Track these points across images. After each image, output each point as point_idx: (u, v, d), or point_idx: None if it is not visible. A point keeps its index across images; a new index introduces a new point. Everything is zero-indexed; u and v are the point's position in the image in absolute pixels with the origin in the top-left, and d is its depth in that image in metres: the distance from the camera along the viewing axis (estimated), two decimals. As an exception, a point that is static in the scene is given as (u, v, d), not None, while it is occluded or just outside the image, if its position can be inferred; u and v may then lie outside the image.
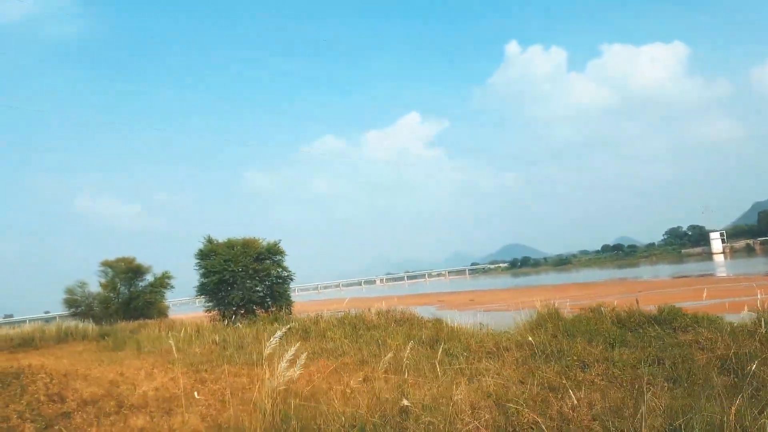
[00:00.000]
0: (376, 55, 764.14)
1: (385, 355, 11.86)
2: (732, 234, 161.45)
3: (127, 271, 35.53)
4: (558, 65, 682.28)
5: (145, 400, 8.72)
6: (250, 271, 28.79)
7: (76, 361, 16.28)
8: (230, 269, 28.37)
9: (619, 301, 15.28)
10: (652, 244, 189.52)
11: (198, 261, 29.76)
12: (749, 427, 4.60)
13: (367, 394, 6.92)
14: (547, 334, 10.21)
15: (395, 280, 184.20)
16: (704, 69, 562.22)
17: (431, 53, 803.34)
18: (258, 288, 29.68)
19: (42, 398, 9.67)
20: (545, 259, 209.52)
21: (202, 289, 29.38)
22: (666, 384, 6.39)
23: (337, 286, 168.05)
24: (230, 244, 30.01)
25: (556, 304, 13.60)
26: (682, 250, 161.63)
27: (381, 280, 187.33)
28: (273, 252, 30.49)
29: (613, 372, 7.27)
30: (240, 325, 19.33)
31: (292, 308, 29.87)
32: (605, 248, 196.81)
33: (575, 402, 5.16)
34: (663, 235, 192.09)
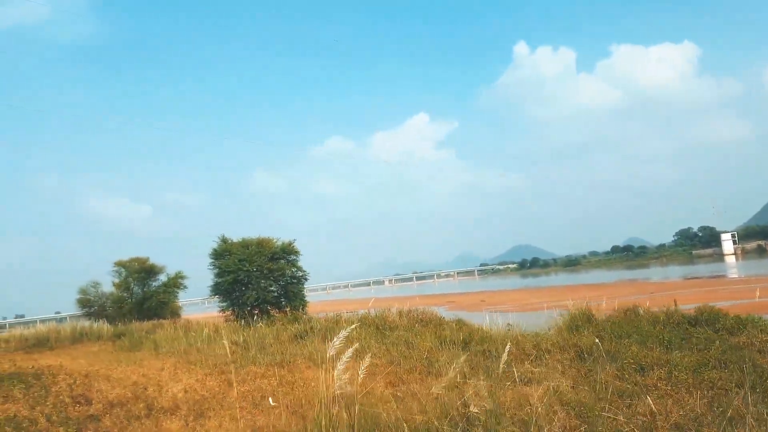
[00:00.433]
0: (385, 56, 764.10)
1: (414, 356, 11.61)
2: (744, 235, 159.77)
3: (141, 271, 35.34)
4: (567, 66, 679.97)
5: (175, 402, 8.41)
6: (265, 271, 28.50)
7: (93, 362, 16.02)
8: (245, 269, 28.10)
9: (638, 301, 14.90)
10: (662, 245, 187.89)
11: (212, 260, 29.54)
12: None
13: (423, 398, 6.55)
14: (590, 335, 9.82)
15: (404, 281, 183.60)
16: (714, 69, 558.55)
17: (440, 54, 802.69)
18: (272, 288, 29.41)
19: (67, 400, 9.38)
20: (554, 260, 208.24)
21: (217, 289, 29.11)
22: (738, 390, 6.00)
23: (346, 286, 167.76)
24: (245, 244, 29.76)
25: (587, 305, 13.19)
26: (693, 252, 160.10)
27: (390, 281, 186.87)
28: (287, 252, 30.21)
29: (677, 376, 6.86)
30: (262, 325, 19.02)
31: (307, 308, 29.58)
32: (615, 249, 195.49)
33: (653, 408, 4.79)
34: (673, 236, 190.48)
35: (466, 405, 5.47)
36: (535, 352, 9.63)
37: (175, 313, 36.70)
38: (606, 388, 5.99)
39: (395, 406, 6.30)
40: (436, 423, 5.32)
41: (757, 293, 18.89)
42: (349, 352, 5.58)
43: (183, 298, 43.95)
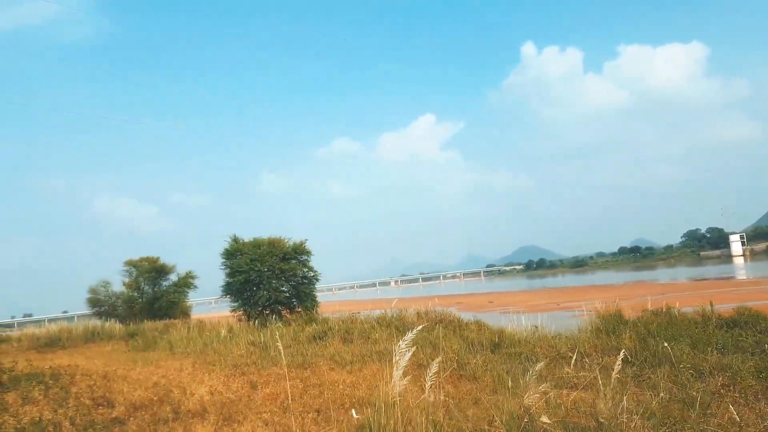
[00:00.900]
0: (391, 57, 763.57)
1: (438, 358, 11.25)
2: (752, 236, 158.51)
3: (151, 271, 35.11)
4: (574, 66, 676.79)
5: (202, 405, 8.10)
6: (276, 271, 28.21)
7: (108, 362, 15.77)
8: (256, 269, 27.81)
9: (665, 301, 14.50)
10: (669, 247, 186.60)
11: (224, 260, 29.27)
12: None
13: (488, 407, 6.18)
14: (631, 337, 9.45)
15: (410, 282, 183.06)
16: (723, 69, 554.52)
17: (447, 55, 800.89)
18: (284, 288, 29.13)
19: (87, 402, 9.10)
20: (561, 261, 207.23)
21: (228, 289, 28.84)
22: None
23: (352, 287, 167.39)
24: (256, 244, 29.48)
25: (617, 305, 12.82)
26: (701, 253, 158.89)
27: (395, 282, 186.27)
28: (299, 252, 29.91)
29: (742, 382, 6.46)
30: (281, 325, 18.73)
31: (318, 309, 29.28)
32: (622, 250, 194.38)
33: (736, 417, 4.44)
34: (681, 237, 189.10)
35: (528, 413, 5.12)
36: (572, 355, 9.29)
37: (185, 313, 36.48)
38: (671, 395, 5.62)
39: (460, 415, 5.96)
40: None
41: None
42: (409, 354, 5.15)
43: (191, 298, 43.74)
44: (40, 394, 9.50)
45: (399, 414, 5.45)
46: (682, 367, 7.16)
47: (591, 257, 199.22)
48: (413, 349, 5.73)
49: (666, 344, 7.39)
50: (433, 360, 11.00)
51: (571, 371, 7.77)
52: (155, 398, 9.02)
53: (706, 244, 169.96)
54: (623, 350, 6.24)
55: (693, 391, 5.80)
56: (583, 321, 13.48)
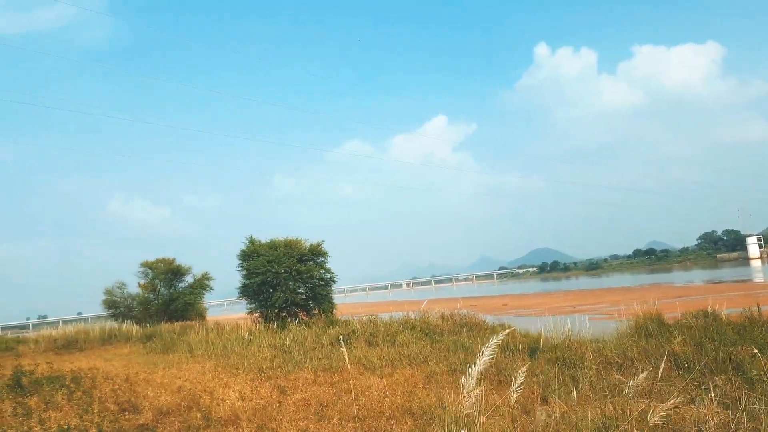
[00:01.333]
0: (404, 59, 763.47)
1: (473, 363, 10.83)
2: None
3: (167, 272, 34.89)
4: (588, 67, 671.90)
5: (233, 411, 7.72)
6: (293, 273, 27.86)
7: (128, 364, 15.50)
8: (273, 270, 27.47)
9: (691, 304, 13.97)
10: (685, 249, 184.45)
11: (240, 262, 28.98)
12: None
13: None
14: (684, 341, 8.95)
15: (422, 285, 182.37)
16: (739, 69, 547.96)
17: (459, 56, 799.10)
18: (300, 290, 28.78)
19: (112, 407, 8.78)
20: (575, 263, 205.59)
21: (245, 291, 28.52)
22: None
23: (364, 290, 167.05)
24: (273, 245, 29.14)
25: (656, 308, 12.31)
26: (717, 255, 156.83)
27: (408, 284, 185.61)
28: (316, 253, 29.53)
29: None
30: (305, 327, 18.37)
31: (335, 311, 28.88)
32: (637, 253, 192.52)
33: None
34: (697, 239, 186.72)
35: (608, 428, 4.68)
36: (619, 360, 8.83)
37: (200, 315, 36.25)
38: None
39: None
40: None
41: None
42: (481, 363, 4.69)
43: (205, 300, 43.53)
44: (63, 399, 9.20)
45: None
46: (754, 376, 6.66)
47: (605, 260, 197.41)
48: (486, 358, 5.20)
49: (730, 349, 6.91)
50: (466, 365, 10.60)
51: (620, 377, 7.31)
52: (182, 403, 8.67)
53: (722, 247, 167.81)
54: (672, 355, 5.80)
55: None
56: (618, 325, 12.97)
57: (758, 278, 62.99)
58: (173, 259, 35.56)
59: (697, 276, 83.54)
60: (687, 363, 7.90)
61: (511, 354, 10.86)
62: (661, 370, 6.41)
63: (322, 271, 29.29)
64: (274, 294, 27.52)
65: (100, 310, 39.73)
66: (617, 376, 7.64)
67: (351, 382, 10.03)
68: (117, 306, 35.30)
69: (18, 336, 30.07)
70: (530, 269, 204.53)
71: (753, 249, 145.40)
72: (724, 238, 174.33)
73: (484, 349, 4.85)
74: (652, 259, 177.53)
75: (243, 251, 29.20)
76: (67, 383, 11.04)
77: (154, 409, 8.41)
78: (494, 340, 4.45)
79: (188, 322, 29.23)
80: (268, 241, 29.78)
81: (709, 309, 11.28)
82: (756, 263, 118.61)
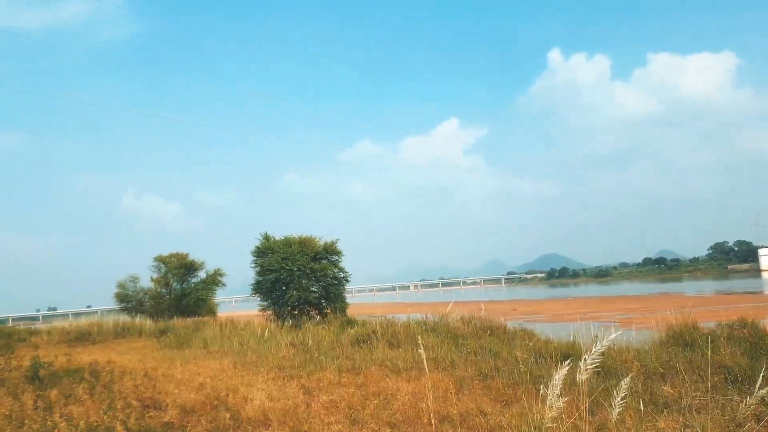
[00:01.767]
0: (416, 61, 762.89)
1: (506, 369, 10.49)
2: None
3: (180, 267, 34.74)
4: (602, 74, 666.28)
5: (263, 412, 7.42)
6: (307, 271, 27.60)
7: (143, 358, 15.28)
8: (287, 268, 27.21)
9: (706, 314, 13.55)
10: (696, 259, 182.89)
11: (254, 258, 28.76)
12: None
13: None
14: (738, 353, 8.54)
15: (429, 287, 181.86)
16: (754, 80, 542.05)
17: (472, 60, 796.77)
18: (313, 288, 28.52)
19: (135, 403, 8.51)
20: (584, 270, 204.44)
21: (258, 287, 28.29)
22: None
23: (371, 290, 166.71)
24: (287, 242, 28.89)
25: (693, 316, 11.91)
26: (728, 266, 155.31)
27: (415, 286, 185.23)
28: (330, 252, 29.26)
29: None
30: (325, 326, 18.08)
31: (348, 311, 28.58)
32: (647, 261, 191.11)
33: None
34: (708, 249, 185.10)
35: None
36: (662, 370, 8.46)
37: (212, 311, 36.09)
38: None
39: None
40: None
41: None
42: (563, 372, 4.32)
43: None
44: (84, 393, 8.95)
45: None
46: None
47: (615, 267, 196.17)
48: (566, 369, 4.85)
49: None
50: (497, 370, 10.27)
51: (669, 389, 6.95)
52: (207, 402, 8.38)
53: (733, 258, 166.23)
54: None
55: None
56: (636, 333, 12.60)
57: (762, 290, 62.09)
58: (186, 254, 35.45)
59: (708, 286, 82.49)
60: (740, 376, 7.53)
61: (544, 361, 10.51)
62: (710, 383, 6.06)
63: (335, 270, 29.03)
64: (287, 292, 27.27)
65: (109, 304, 39.66)
66: (666, 388, 7.27)
67: (380, 384, 9.73)
68: (129, 300, 35.19)
69: (30, 327, 29.99)
70: (539, 275, 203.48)
71: (765, 261, 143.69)
72: (736, 249, 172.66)
73: (586, 356, 4.37)
74: (662, 268, 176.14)
75: (257, 248, 28.97)
76: (86, 377, 10.80)
77: (178, 407, 8.13)
78: (598, 347, 3.97)
79: (201, 318, 29.06)
80: (283, 238, 29.53)
81: (749, 320, 10.85)
82: (767, 275, 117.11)
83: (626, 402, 6.87)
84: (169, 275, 34.81)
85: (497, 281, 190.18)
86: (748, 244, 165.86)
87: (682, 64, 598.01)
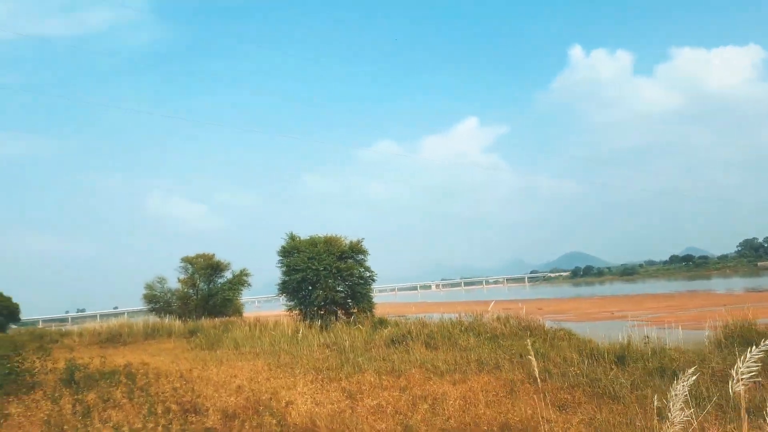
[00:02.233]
0: (435, 59, 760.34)
1: (558, 371, 9.99)
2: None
3: (207, 268, 34.76)
4: (624, 69, 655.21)
5: (311, 419, 7.07)
6: (333, 270, 27.27)
7: (175, 360, 15.08)
8: (313, 267, 26.93)
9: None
10: (724, 256, 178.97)
11: (280, 258, 28.55)
12: None
13: None
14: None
15: (451, 286, 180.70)
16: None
17: (491, 57, 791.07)
18: (340, 288, 28.17)
19: (174, 407, 8.23)
20: (608, 268, 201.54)
21: (284, 287, 28.04)
22: None
23: (393, 290, 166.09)
24: (313, 242, 28.62)
25: (751, 316, 11.29)
26: (758, 263, 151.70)
27: (437, 286, 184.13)
28: (356, 251, 28.88)
29: None
30: (359, 326, 17.72)
31: (374, 310, 28.18)
32: (673, 259, 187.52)
33: None
34: (736, 246, 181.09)
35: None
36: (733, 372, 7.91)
37: (238, 311, 36.05)
38: None
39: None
40: None
41: None
42: (688, 382, 3.84)
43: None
44: (123, 397, 8.69)
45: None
46: None
47: (640, 265, 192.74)
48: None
49: None
50: (548, 372, 9.79)
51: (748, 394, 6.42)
52: (248, 405, 8.06)
53: (763, 254, 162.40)
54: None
55: None
56: (693, 333, 12.00)
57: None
58: (213, 255, 35.45)
59: (738, 284, 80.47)
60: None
61: (596, 362, 10.00)
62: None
63: (361, 269, 28.68)
64: (313, 291, 26.99)
65: (136, 305, 39.92)
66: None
67: (424, 387, 9.33)
68: (157, 301, 35.30)
69: (61, 329, 30.22)
70: (562, 273, 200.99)
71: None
72: (766, 245, 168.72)
73: (748, 354, 3.86)
74: (689, 265, 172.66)
75: (283, 247, 28.74)
76: (122, 379, 10.59)
77: (219, 411, 7.83)
78: (754, 352, 3.43)
79: (228, 318, 28.93)
80: (308, 237, 29.28)
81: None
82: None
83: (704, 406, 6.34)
84: (196, 276, 34.84)
85: (520, 280, 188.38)
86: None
87: (707, 58, 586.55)
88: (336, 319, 26.03)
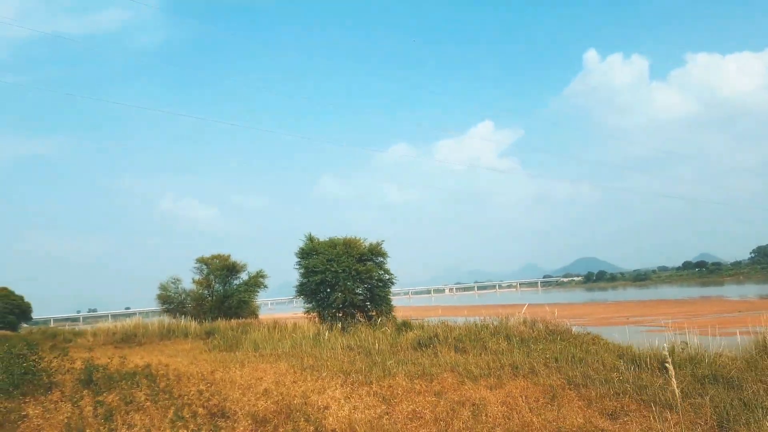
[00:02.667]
0: (450, 63, 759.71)
1: (600, 377, 9.49)
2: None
3: (222, 269, 34.46)
4: (639, 74, 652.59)
5: (349, 423, 6.63)
6: (353, 273, 26.84)
7: (193, 361, 14.70)
8: (332, 269, 26.51)
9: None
10: (738, 263, 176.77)
11: (299, 260, 28.17)
12: None
13: None
14: None
15: (465, 290, 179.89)
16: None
17: (507, 62, 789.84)
18: (358, 290, 27.72)
19: (200, 411, 7.82)
20: (621, 274, 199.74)
21: (302, 289, 27.64)
22: None
23: (407, 293, 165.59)
24: (332, 244, 28.22)
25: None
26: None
27: (450, 290, 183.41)
28: (375, 253, 28.42)
29: None
30: (387, 329, 17.28)
31: (393, 314, 27.70)
32: (686, 265, 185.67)
33: None
34: (750, 253, 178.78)
35: None
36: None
37: (253, 313, 35.69)
38: None
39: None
40: None
41: None
42: None
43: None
44: (146, 399, 8.29)
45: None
46: None
47: (653, 271, 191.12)
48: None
49: None
50: (588, 378, 9.28)
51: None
52: (278, 410, 7.63)
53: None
54: None
55: None
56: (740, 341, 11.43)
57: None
58: (228, 256, 35.14)
59: (752, 290, 79.24)
60: None
61: (638, 368, 9.47)
62: None
63: (381, 272, 28.23)
64: (332, 294, 26.59)
65: (149, 305, 39.75)
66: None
67: (459, 392, 8.85)
68: (171, 301, 35.04)
69: (74, 329, 30.03)
70: (575, 278, 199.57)
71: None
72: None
73: None
74: (702, 271, 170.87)
75: (301, 249, 28.37)
76: (142, 381, 10.20)
77: (249, 416, 7.40)
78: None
79: (245, 320, 28.56)
80: (327, 239, 28.91)
81: None
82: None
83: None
84: (211, 277, 34.54)
85: (533, 285, 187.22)
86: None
87: (722, 64, 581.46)
88: (354, 321, 25.61)
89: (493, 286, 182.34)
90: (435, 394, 8.82)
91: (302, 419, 6.79)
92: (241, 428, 6.84)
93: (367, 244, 28.54)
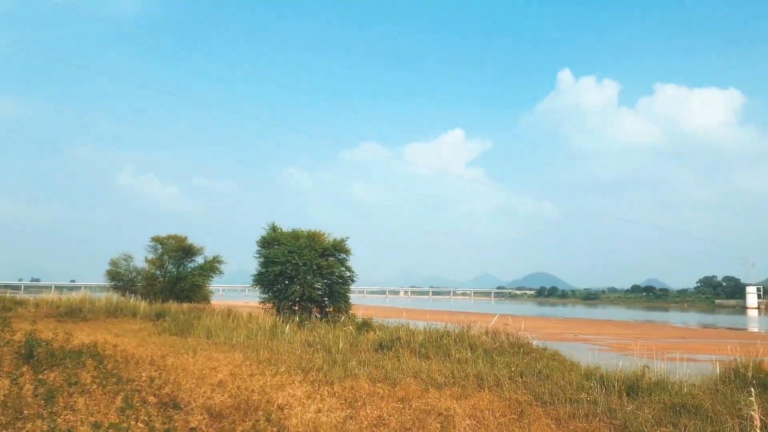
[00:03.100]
0: (430, 66, 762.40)
1: (569, 397, 9.32)
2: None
3: (178, 250, 33.38)
4: (609, 99, 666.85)
5: (314, 427, 6.22)
6: (313, 267, 26.32)
7: (142, 343, 13.99)
8: (293, 261, 25.93)
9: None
10: (684, 291, 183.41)
11: (259, 249, 27.49)
12: None
13: None
14: None
15: (419, 294, 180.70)
16: (759, 119, 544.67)
17: (482, 72, 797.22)
18: (317, 285, 27.23)
19: (151, 399, 7.28)
20: (572, 291, 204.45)
21: (260, 279, 26.97)
22: None
23: (362, 292, 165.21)
24: (295, 235, 27.66)
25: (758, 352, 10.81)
26: (716, 301, 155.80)
27: (405, 292, 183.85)
28: (339, 249, 27.99)
29: None
30: (350, 327, 16.83)
31: (352, 312, 27.33)
32: (635, 288, 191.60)
33: None
34: (696, 282, 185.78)
35: None
36: (764, 418, 7.33)
37: (205, 298, 34.73)
38: None
39: None
40: None
41: None
42: None
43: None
44: (92, 381, 7.69)
45: None
46: None
47: (603, 291, 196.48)
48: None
49: None
50: (555, 396, 9.12)
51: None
52: (236, 405, 7.17)
53: (721, 292, 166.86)
54: None
55: None
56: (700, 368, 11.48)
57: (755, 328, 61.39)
58: (185, 237, 34.11)
59: (694, 318, 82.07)
60: None
61: (605, 390, 9.34)
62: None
63: (342, 269, 27.81)
64: (290, 286, 26.04)
65: (95, 280, 38.36)
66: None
67: (424, 401, 8.55)
68: (120, 278, 33.77)
69: (14, 297, 28.47)
70: (528, 292, 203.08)
71: (751, 299, 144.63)
72: (724, 284, 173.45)
73: None
74: (650, 296, 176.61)
75: (263, 237, 27.73)
76: (88, 360, 9.54)
77: (203, 409, 6.92)
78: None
79: (196, 304, 27.70)
80: (291, 230, 28.31)
81: None
82: (752, 313, 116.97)
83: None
84: (165, 257, 33.42)
85: (487, 294, 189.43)
86: (736, 280, 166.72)
87: (688, 97, 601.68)
88: (311, 316, 25.11)
89: (448, 293, 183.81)
90: (399, 400, 8.50)
91: (263, 418, 6.34)
92: (196, 422, 6.36)
93: (331, 239, 28.09)
